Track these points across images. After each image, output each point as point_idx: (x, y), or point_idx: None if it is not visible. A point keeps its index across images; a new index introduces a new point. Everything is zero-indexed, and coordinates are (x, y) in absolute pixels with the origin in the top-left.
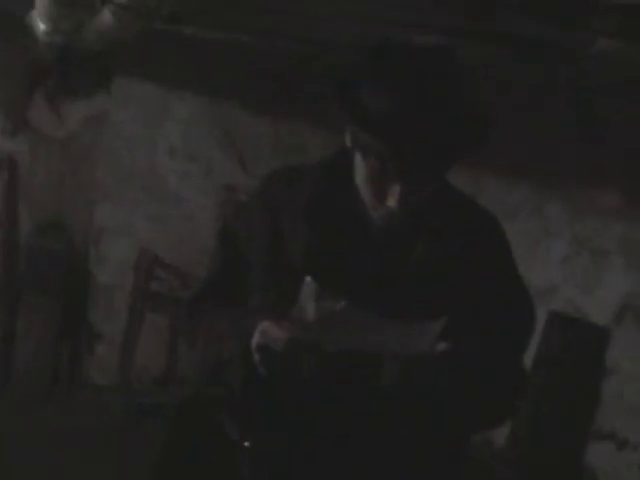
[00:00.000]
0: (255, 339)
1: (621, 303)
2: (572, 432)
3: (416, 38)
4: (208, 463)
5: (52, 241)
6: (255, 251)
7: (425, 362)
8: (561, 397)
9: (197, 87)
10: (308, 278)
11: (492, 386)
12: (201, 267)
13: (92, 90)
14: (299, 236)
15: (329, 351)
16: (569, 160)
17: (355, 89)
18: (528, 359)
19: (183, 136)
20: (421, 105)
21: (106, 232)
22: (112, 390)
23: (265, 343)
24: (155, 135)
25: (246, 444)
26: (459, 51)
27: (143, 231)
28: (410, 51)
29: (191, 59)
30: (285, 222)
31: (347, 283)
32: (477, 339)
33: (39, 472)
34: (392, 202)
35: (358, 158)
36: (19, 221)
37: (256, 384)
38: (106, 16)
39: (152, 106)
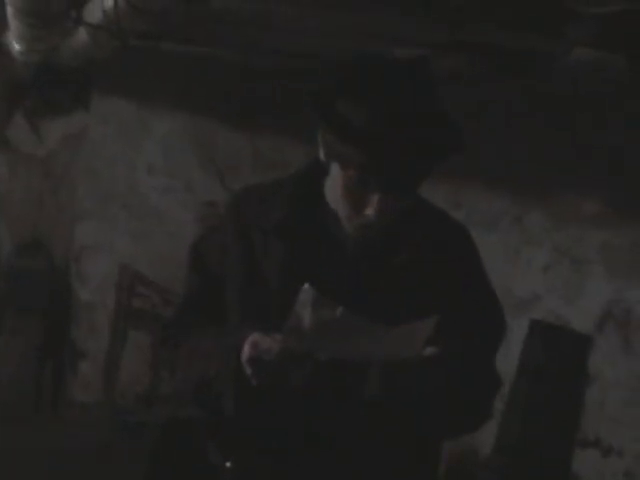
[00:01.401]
0: (245, 351)
1: (602, 311)
2: (557, 439)
3: (396, 51)
4: None
5: (32, 260)
6: (229, 269)
7: (407, 369)
8: (545, 405)
9: (176, 104)
10: (306, 285)
11: (471, 389)
12: (182, 283)
13: (70, 108)
14: (273, 252)
15: (321, 360)
16: (548, 170)
17: (334, 101)
18: (512, 368)
19: (163, 153)
20: (400, 115)
21: (87, 250)
22: (96, 408)
23: (257, 355)
24: (135, 152)
25: (228, 465)
26: (438, 62)
27: (124, 248)
28: (389, 62)
29: (169, 76)
30: (258, 239)
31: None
32: (458, 344)
33: None
34: (370, 211)
35: (335, 169)
36: None
37: (246, 398)
38: (82, 35)
39: (131, 123)
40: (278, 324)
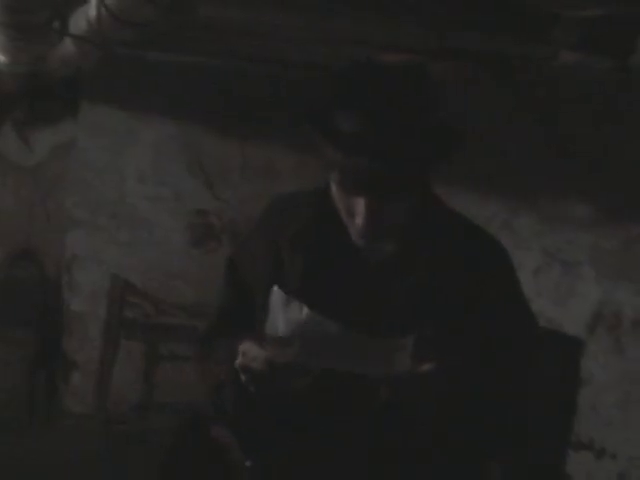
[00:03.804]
0: (238, 360)
1: (593, 313)
2: (550, 442)
3: (386, 56)
4: None
5: (23, 270)
6: (258, 281)
7: (412, 380)
8: (537, 409)
9: (165, 112)
10: (275, 287)
11: (485, 409)
12: (174, 291)
13: (59, 118)
14: (296, 264)
15: (309, 369)
16: (538, 173)
17: (322, 107)
18: None
19: (152, 162)
20: (380, 119)
21: (78, 260)
22: (89, 418)
23: (247, 363)
24: (124, 161)
25: (248, 464)
26: (428, 67)
27: (115, 257)
28: (373, 67)
29: (158, 85)
30: (284, 251)
31: (339, 311)
32: (469, 362)
33: None
34: (359, 220)
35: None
36: None
37: (249, 404)
38: (68, 45)
39: (120, 132)
40: None
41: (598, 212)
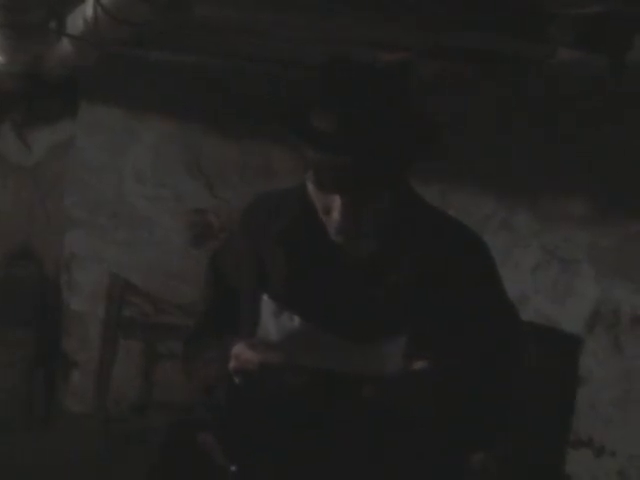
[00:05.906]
0: (231, 364)
1: (591, 311)
2: (549, 441)
3: (382, 55)
4: None
5: (23, 270)
6: (242, 281)
7: (403, 379)
8: (536, 407)
9: (164, 112)
10: (265, 296)
11: (475, 407)
12: (173, 291)
13: (57, 117)
14: (278, 262)
15: (303, 371)
16: (537, 172)
17: (299, 106)
18: None
19: (151, 161)
20: (357, 118)
21: (77, 259)
22: (89, 418)
23: (240, 366)
24: (123, 161)
25: (233, 468)
26: (424, 67)
27: (114, 257)
28: (352, 67)
29: (157, 84)
30: (266, 249)
31: (328, 310)
32: (457, 360)
33: None
34: (336, 215)
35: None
36: None
37: (240, 406)
38: (65, 45)
39: (119, 132)
40: None
41: (596, 210)
